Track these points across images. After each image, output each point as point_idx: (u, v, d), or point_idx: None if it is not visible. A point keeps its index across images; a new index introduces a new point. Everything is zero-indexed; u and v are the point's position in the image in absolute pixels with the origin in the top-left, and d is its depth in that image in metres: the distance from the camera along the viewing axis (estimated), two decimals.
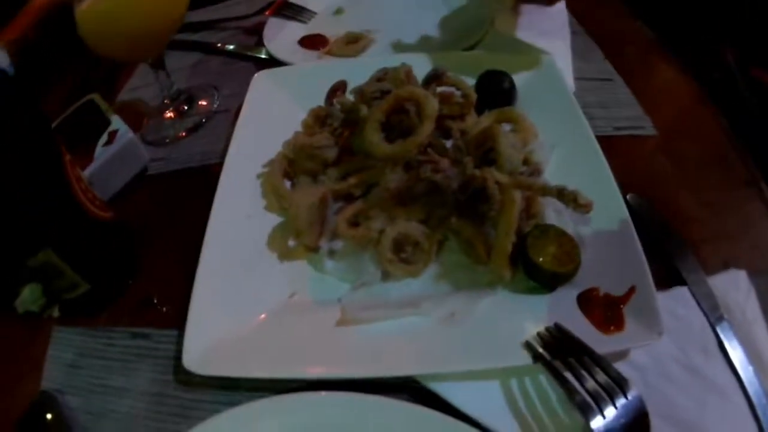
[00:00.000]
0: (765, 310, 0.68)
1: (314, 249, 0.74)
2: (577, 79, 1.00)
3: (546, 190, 0.69)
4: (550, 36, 1.09)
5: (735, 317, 0.67)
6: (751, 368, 0.62)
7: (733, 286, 0.70)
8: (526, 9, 1.15)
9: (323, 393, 0.61)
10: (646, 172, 0.86)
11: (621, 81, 1.02)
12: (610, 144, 0.82)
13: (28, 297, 0.74)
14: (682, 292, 0.70)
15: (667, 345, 0.64)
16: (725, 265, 0.72)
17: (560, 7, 1.15)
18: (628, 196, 0.78)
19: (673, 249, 0.74)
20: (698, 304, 0.68)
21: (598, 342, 0.61)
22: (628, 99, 0.99)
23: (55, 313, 0.76)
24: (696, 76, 1.04)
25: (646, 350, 0.64)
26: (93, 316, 0.76)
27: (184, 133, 1.02)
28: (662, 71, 1.07)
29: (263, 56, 1.15)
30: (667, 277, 0.71)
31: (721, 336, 0.65)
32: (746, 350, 0.64)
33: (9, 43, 1.07)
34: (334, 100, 0.86)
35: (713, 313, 0.67)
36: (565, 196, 0.67)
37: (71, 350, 0.73)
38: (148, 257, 0.82)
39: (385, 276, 0.71)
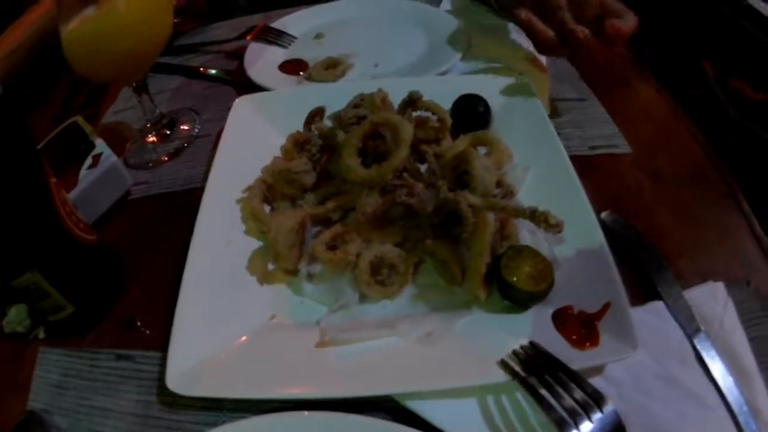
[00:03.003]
0: (743, 320, 0.69)
1: (293, 272, 0.76)
2: (552, 99, 1.02)
3: (518, 212, 0.71)
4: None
5: (712, 328, 0.68)
6: (730, 378, 0.63)
7: (710, 297, 0.71)
8: (504, 32, 1.18)
9: (304, 413, 0.62)
10: (622, 189, 0.88)
11: (596, 100, 1.05)
12: (585, 163, 0.85)
13: (14, 317, 0.76)
14: (657, 306, 0.71)
15: (643, 358, 0.66)
16: (703, 278, 0.74)
17: None
18: (603, 214, 0.79)
19: (648, 264, 0.75)
20: (674, 317, 0.70)
21: (574, 358, 0.62)
22: (603, 117, 1.01)
23: (41, 334, 0.77)
24: (674, 92, 1.06)
25: (622, 364, 0.65)
26: (78, 338, 0.77)
27: (166, 158, 1.03)
28: (638, 88, 1.09)
29: (244, 81, 1.16)
30: (642, 292, 0.73)
31: (699, 347, 0.66)
32: (725, 360, 0.65)
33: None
34: (312, 126, 0.88)
35: (690, 325, 0.68)
36: (536, 217, 0.69)
37: (57, 371, 0.74)
38: (131, 280, 0.83)
39: (363, 298, 0.73)
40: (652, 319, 0.70)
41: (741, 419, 0.61)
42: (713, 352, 0.66)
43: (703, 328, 0.68)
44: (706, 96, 1.18)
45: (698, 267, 0.76)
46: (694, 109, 1.02)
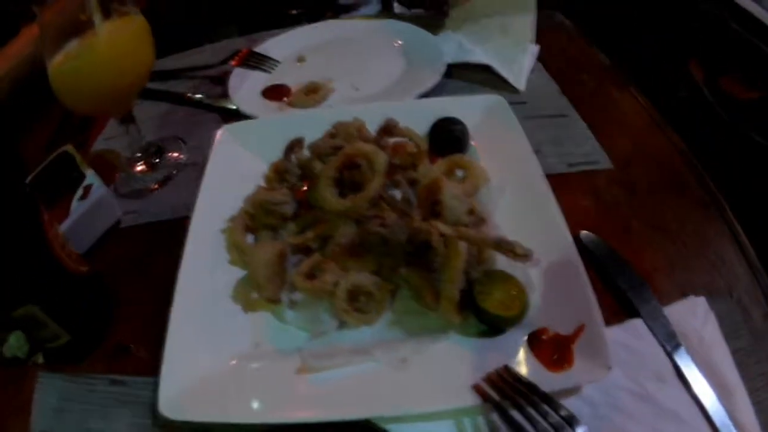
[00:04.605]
0: (725, 333, 0.70)
1: (275, 301, 0.78)
2: (531, 117, 1.03)
3: (486, 242, 0.72)
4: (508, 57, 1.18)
5: (692, 344, 0.69)
6: (712, 393, 0.64)
7: (690, 313, 0.72)
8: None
9: None
10: (600, 206, 0.89)
11: (576, 115, 1.06)
12: (563, 181, 0.86)
13: (14, 344, 0.76)
14: (636, 324, 0.72)
15: (618, 377, 0.66)
16: (683, 292, 0.75)
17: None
18: (580, 234, 0.81)
19: (626, 282, 0.76)
20: (653, 334, 0.70)
21: (549, 380, 0.64)
22: (582, 134, 1.02)
23: (40, 359, 0.79)
24: (661, 96, 1.07)
25: (597, 384, 0.66)
26: (74, 364, 0.79)
27: (155, 186, 1.05)
28: (618, 100, 1.10)
29: (229, 107, 1.18)
30: (622, 311, 0.74)
31: (679, 364, 0.67)
32: (706, 375, 0.66)
33: None
34: (292, 156, 0.90)
35: (669, 342, 0.69)
36: (502, 247, 0.70)
37: (56, 395, 0.76)
38: (124, 308, 0.85)
39: (342, 325, 0.75)
40: (630, 337, 0.71)
41: None
42: (694, 368, 0.67)
43: (683, 344, 0.69)
44: (693, 98, 1.20)
45: (678, 282, 0.77)
46: (681, 112, 1.03)
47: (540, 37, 1.26)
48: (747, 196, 0.90)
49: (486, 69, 1.18)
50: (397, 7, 1.48)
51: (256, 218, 0.86)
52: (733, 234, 0.82)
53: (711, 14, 1.19)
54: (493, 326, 0.72)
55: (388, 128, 0.90)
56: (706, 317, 0.72)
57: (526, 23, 1.23)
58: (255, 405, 0.69)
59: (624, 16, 1.42)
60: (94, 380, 0.78)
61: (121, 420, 0.73)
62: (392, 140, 0.92)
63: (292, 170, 0.88)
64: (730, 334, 0.71)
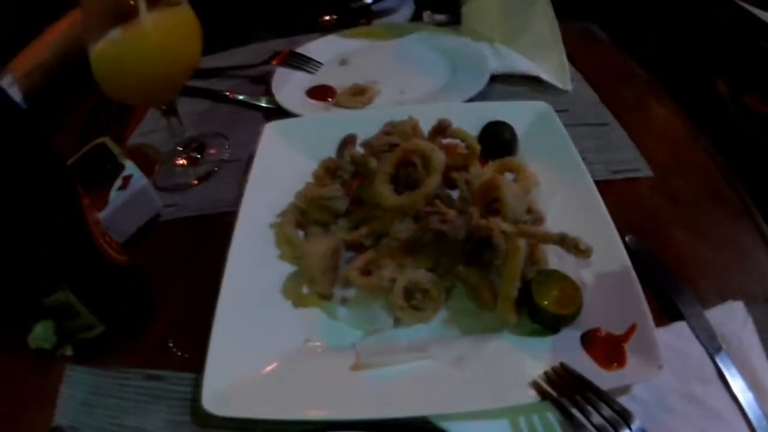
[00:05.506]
0: (763, 338, 0.71)
1: (327, 297, 0.76)
2: (573, 125, 1.02)
3: (548, 238, 0.72)
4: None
5: (732, 347, 0.70)
6: (750, 394, 0.65)
7: (729, 317, 0.73)
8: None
9: None
10: (642, 212, 0.89)
11: (617, 124, 1.06)
12: (607, 187, 0.86)
13: (41, 333, 0.76)
14: (680, 326, 0.73)
15: (666, 378, 0.67)
16: (721, 297, 0.75)
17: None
18: (626, 238, 0.80)
19: (670, 286, 0.76)
20: (696, 337, 0.71)
21: (602, 379, 0.64)
22: (623, 142, 1.02)
23: (68, 352, 0.77)
24: (689, 110, 1.08)
25: (647, 384, 0.66)
26: (106, 357, 0.77)
27: (196, 181, 1.03)
28: (656, 110, 1.11)
29: (271, 106, 1.17)
30: (666, 314, 0.74)
31: (720, 366, 0.68)
32: (745, 377, 0.66)
33: (19, 78, 1.10)
34: (345, 152, 0.88)
35: (711, 344, 0.70)
36: (566, 243, 0.70)
37: (84, 389, 0.74)
38: (161, 302, 0.83)
39: (397, 322, 0.74)
40: (675, 339, 0.71)
41: None
42: (734, 370, 0.67)
43: (723, 346, 0.70)
44: (718, 115, 1.19)
45: (716, 287, 0.77)
46: (711, 127, 1.04)
47: (577, 50, 1.26)
48: None
49: (528, 76, 1.18)
50: (426, 16, 1.47)
51: (308, 214, 0.85)
52: (767, 245, 0.83)
53: (739, 33, 1.18)
54: (549, 325, 0.71)
55: (442, 128, 0.88)
56: (744, 321, 0.73)
57: (545, 17, 1.23)
58: (304, 402, 0.67)
59: (648, 30, 1.42)
60: (127, 374, 0.75)
61: (156, 416, 0.71)
62: (443, 141, 0.91)
63: (345, 166, 0.86)
64: (764, 339, 0.71)
